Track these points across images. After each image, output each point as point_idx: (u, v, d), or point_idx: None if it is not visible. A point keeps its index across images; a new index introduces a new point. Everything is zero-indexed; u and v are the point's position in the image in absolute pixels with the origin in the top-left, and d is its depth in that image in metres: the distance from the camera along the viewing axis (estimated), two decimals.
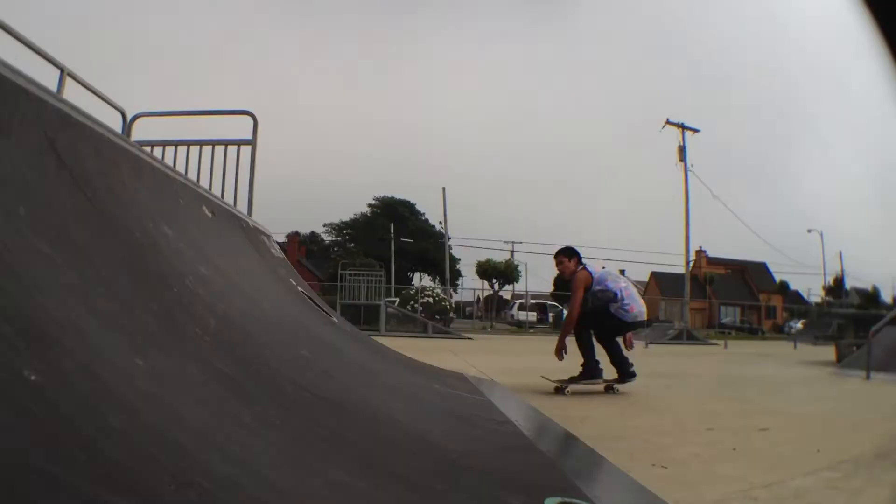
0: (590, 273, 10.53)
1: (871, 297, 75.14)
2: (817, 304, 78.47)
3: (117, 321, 3.01)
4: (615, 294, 10.28)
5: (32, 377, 1.93)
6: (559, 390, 10.11)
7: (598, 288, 10.44)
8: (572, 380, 10.40)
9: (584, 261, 10.87)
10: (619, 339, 10.79)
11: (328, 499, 2.64)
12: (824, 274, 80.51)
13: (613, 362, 10.58)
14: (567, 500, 3.56)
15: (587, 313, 10.47)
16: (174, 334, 3.44)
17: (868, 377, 14.60)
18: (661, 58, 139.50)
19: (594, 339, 10.63)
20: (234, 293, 5.49)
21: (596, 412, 8.45)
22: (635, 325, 10.75)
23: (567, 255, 10.69)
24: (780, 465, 5.66)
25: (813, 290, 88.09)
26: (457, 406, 6.59)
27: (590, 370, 10.44)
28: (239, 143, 10.66)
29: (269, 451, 2.80)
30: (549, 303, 66.98)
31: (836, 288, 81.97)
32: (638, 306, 10.43)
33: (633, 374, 10.55)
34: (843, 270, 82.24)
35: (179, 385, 2.90)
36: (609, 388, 10.43)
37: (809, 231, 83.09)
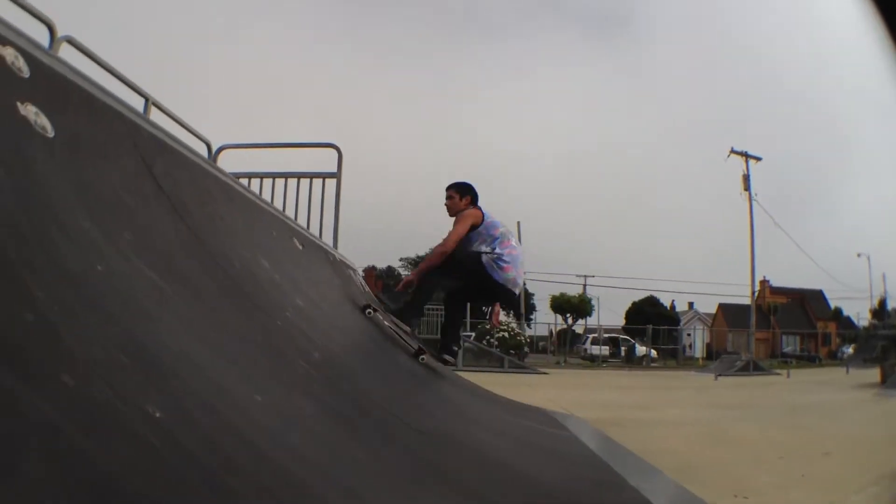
0: (482, 213, 8.67)
1: None
2: (865, 328, 77.05)
3: (229, 353, 2.93)
4: (494, 248, 8.52)
5: (157, 414, 1.79)
6: (364, 309, 7.89)
7: (484, 232, 8.60)
8: (386, 307, 8.93)
9: (480, 205, 8.88)
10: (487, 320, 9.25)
11: None
12: (871, 297, 79.17)
13: (444, 328, 9.08)
14: None
15: (457, 256, 8.53)
16: (284, 368, 3.36)
17: None
18: (718, 86, 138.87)
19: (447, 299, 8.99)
20: (330, 326, 5.43)
21: (674, 444, 8.54)
22: (502, 292, 8.67)
23: (459, 192, 8.84)
24: (839, 486, 6.20)
25: (861, 314, 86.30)
26: (545, 441, 6.53)
27: (409, 309, 8.72)
28: (324, 175, 10.65)
29: (383, 486, 2.67)
30: (622, 336, 66.46)
31: (881, 310, 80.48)
32: (515, 271, 8.60)
33: (453, 354, 8.87)
34: (885, 292, 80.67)
35: (296, 421, 2.78)
36: (419, 355, 8.05)
37: (859, 255, 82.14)
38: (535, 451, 5.78)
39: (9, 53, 2.75)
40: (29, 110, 2.67)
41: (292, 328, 4.16)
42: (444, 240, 8.63)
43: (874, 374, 25.22)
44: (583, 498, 4.29)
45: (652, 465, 6.21)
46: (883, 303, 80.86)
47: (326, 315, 5.70)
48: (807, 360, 62.85)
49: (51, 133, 2.74)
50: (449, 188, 8.93)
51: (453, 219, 8.71)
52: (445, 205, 8.88)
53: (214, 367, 2.62)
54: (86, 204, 2.71)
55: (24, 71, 2.78)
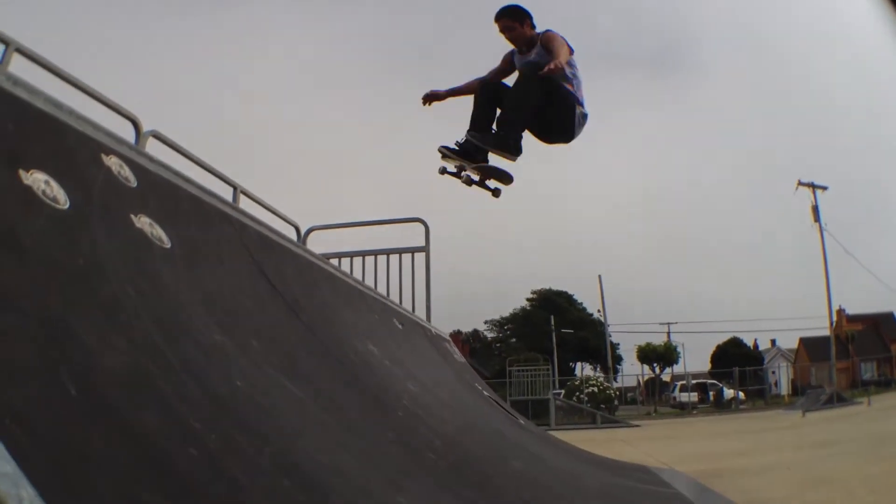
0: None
1: None
2: None
3: (369, 456, 2.90)
4: (583, 102, 7.18)
5: None
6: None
7: (576, 68, 7.26)
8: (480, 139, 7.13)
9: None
10: None
11: None
12: None
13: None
14: None
15: (561, 90, 7.03)
16: (416, 463, 3.33)
17: None
18: (774, 116, 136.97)
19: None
20: (442, 407, 5.40)
21: (774, 492, 8.20)
22: (562, 142, 7.35)
23: (517, 18, 7.16)
24: None
25: None
26: (653, 502, 6.38)
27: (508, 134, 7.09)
28: (413, 250, 10.67)
29: None
30: (709, 381, 65.08)
31: None
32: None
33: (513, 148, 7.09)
34: None
35: None
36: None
37: None
38: None
39: (114, 163, 2.76)
40: (143, 222, 2.68)
41: (413, 417, 4.13)
42: (557, 55, 6.86)
43: None
44: None
45: None
46: None
47: (436, 395, 5.68)
48: (884, 384, 60.77)
49: (167, 244, 2.74)
50: (502, 17, 7.21)
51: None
52: (508, 38, 7.25)
53: (358, 472, 2.59)
54: (214, 315, 2.70)
55: (132, 180, 2.79)
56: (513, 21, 7.14)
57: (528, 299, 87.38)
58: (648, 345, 66.04)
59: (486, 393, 8.50)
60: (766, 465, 11.06)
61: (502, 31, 7.22)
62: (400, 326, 6.77)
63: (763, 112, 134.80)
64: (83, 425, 1.49)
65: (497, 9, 7.17)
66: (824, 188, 51.62)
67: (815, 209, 50.89)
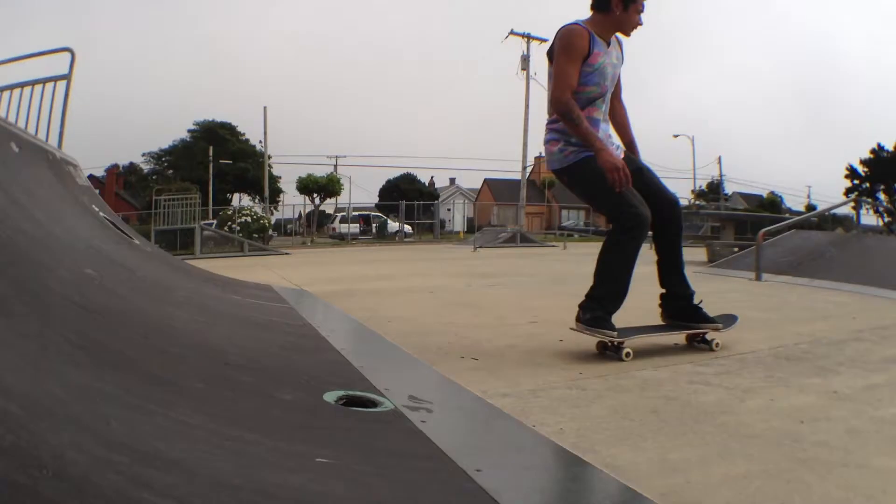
0: None
1: (772, 204, 72.94)
2: (685, 207, 76.14)
3: None
4: None
5: None
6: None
7: None
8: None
9: None
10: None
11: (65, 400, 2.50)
12: (694, 178, 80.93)
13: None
14: (350, 393, 3.38)
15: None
16: None
17: (759, 278, 12.07)
18: None
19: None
20: (23, 219, 5.17)
21: (407, 311, 7.78)
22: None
23: None
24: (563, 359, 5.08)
25: (680, 193, 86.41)
26: (253, 314, 6.37)
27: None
28: (55, 79, 10.58)
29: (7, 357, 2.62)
30: (374, 214, 65.53)
31: (711, 192, 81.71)
32: None
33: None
34: (721, 175, 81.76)
35: None
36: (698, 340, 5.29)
37: (676, 136, 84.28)
38: (236, 323, 5.65)
39: None
40: None
41: None
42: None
43: (693, 251, 21.97)
44: (271, 363, 4.15)
45: (372, 330, 6.01)
46: (714, 185, 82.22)
47: (25, 210, 5.41)
48: (594, 234, 60.51)
49: None
50: None
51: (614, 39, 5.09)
52: (636, 25, 4.96)
53: None
54: None
55: None
56: None
57: (189, 131, 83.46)
58: (310, 176, 63.56)
59: (101, 213, 8.53)
60: (409, 287, 10.89)
61: (640, 12, 4.93)
62: (17, 150, 6.73)
63: None
64: None
65: None
66: (543, 40, 50.37)
67: (526, 59, 51.63)
